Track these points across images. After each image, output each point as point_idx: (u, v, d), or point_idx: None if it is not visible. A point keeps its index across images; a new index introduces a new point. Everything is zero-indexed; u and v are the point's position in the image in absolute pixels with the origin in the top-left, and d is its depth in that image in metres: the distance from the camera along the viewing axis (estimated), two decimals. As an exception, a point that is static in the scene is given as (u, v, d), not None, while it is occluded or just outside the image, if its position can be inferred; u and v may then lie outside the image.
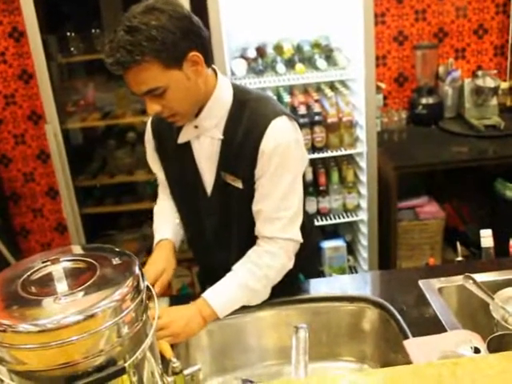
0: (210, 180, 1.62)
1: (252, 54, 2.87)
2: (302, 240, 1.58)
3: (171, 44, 1.38)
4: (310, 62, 2.86)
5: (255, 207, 1.56)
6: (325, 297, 1.56)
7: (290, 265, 1.57)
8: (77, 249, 1.11)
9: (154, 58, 1.37)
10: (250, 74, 2.86)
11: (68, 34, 2.93)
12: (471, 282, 1.42)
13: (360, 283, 1.71)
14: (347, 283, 1.70)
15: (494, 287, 1.45)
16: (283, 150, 1.50)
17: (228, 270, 1.56)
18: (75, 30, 2.96)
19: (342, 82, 3.02)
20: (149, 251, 3.06)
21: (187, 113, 1.52)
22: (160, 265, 1.62)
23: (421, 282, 1.59)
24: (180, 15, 1.41)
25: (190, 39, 1.42)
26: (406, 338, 1.36)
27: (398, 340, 1.39)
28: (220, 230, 1.67)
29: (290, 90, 3.07)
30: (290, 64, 2.86)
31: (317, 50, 2.88)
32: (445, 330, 1.36)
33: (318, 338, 1.55)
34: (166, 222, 1.78)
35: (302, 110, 2.83)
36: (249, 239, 1.59)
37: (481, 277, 1.52)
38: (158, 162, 1.75)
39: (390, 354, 1.48)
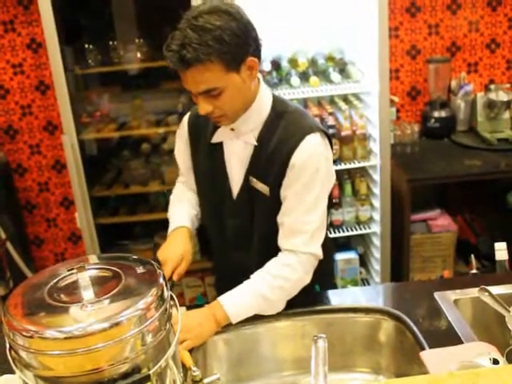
0: (237, 183, 1.65)
1: (267, 66, 2.89)
2: (322, 256, 1.59)
3: (235, 47, 1.42)
4: (324, 75, 2.88)
5: (280, 219, 1.59)
6: (340, 308, 1.57)
7: (308, 279, 1.58)
8: (100, 257, 1.12)
9: (219, 58, 1.40)
10: (264, 87, 2.88)
11: (86, 45, 2.98)
12: (487, 294, 1.42)
13: (374, 295, 1.72)
14: (361, 295, 1.71)
15: (510, 300, 1.45)
16: (313, 166, 1.53)
17: (245, 273, 1.57)
18: (92, 41, 3.00)
19: (356, 95, 3.04)
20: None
21: (235, 115, 1.55)
22: (178, 251, 1.63)
23: (436, 294, 1.59)
24: (244, 19, 1.47)
25: (250, 44, 1.47)
26: (423, 349, 1.37)
27: (414, 351, 1.40)
28: (241, 233, 1.69)
29: (304, 102, 3.09)
30: (304, 77, 2.89)
31: (331, 63, 2.91)
32: (461, 342, 1.37)
33: (333, 349, 1.55)
34: (184, 211, 1.79)
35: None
36: (269, 246, 1.61)
37: (496, 289, 1.52)
38: (188, 156, 1.77)
39: (406, 365, 1.48)
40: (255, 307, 1.54)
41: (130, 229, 3.35)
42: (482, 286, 1.46)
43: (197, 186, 1.80)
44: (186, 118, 1.78)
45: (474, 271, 1.76)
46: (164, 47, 1.44)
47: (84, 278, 0.97)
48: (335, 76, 2.79)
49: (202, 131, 1.70)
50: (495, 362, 1.10)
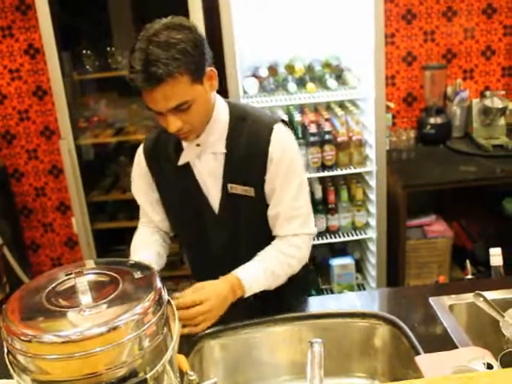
0: (216, 197, 1.65)
1: (264, 72, 2.91)
2: (316, 232, 1.69)
3: (198, 58, 1.44)
4: (320, 82, 2.90)
5: (272, 212, 1.62)
6: (337, 313, 1.58)
7: (307, 257, 1.69)
8: (97, 262, 1.13)
9: (187, 71, 1.41)
10: (261, 93, 2.91)
11: (84, 51, 2.99)
12: (482, 299, 1.44)
13: (370, 300, 1.73)
14: (357, 300, 1.72)
15: (504, 305, 1.46)
16: (290, 155, 1.61)
17: None
18: (90, 47, 3.02)
19: (352, 102, 3.06)
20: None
21: (201, 128, 1.56)
22: None
23: (431, 300, 1.60)
24: (198, 31, 1.47)
25: (208, 54, 1.49)
26: (418, 354, 1.37)
27: (409, 356, 1.41)
28: (229, 245, 1.69)
29: (301, 108, 3.11)
30: (301, 83, 2.91)
31: (327, 69, 2.92)
32: (456, 347, 1.38)
33: (329, 353, 1.56)
34: (148, 250, 1.73)
35: (313, 129, 2.86)
36: (257, 247, 1.63)
37: (491, 295, 1.53)
38: (151, 190, 1.74)
39: (401, 369, 1.49)
40: (265, 283, 1.58)
41: (127, 234, 3.35)
42: (476, 292, 1.47)
43: (171, 214, 1.77)
44: (139, 155, 1.73)
45: (470, 276, 1.77)
46: (127, 71, 1.44)
47: (82, 282, 0.98)
48: (332, 82, 2.80)
49: (162, 159, 1.68)
50: (489, 366, 1.11)
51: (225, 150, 1.61)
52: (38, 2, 2.63)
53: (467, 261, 1.85)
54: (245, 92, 2.88)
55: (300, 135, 2.92)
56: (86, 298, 0.95)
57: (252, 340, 1.58)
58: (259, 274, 1.57)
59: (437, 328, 1.50)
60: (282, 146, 1.59)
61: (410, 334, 1.46)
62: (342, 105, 3.10)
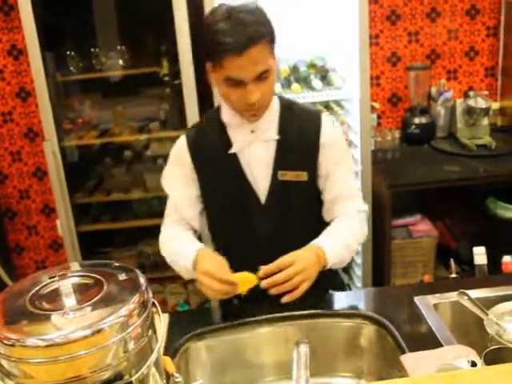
0: (264, 186, 1.67)
1: (248, 73, 2.91)
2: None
3: (273, 30, 1.53)
4: (305, 82, 2.91)
5: (330, 194, 1.68)
6: (322, 313, 1.58)
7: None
8: (82, 265, 1.12)
9: (268, 38, 1.49)
10: (246, 94, 2.90)
11: (68, 52, 2.97)
12: (466, 298, 1.45)
13: (356, 300, 1.73)
14: (343, 300, 1.72)
15: (488, 303, 1.48)
16: (340, 140, 1.73)
17: None
18: (74, 48, 3.00)
19: (337, 102, 3.06)
20: (143, 267, 3.10)
21: (267, 105, 1.60)
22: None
23: (416, 299, 1.61)
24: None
25: None
26: (403, 353, 1.38)
27: (395, 355, 1.41)
28: (276, 235, 1.69)
29: (286, 109, 3.11)
30: (286, 84, 2.91)
31: (312, 70, 2.93)
32: (440, 345, 1.38)
33: (315, 353, 1.56)
34: (191, 238, 1.72)
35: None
36: (304, 238, 1.61)
37: (475, 293, 1.54)
38: (193, 183, 1.72)
39: (387, 369, 1.49)
40: (341, 256, 1.60)
41: (112, 236, 3.35)
42: (461, 290, 1.48)
43: (212, 207, 1.75)
44: (180, 149, 1.72)
45: (454, 275, 1.79)
46: (213, 38, 1.46)
47: (66, 285, 0.97)
48: (317, 83, 2.81)
49: (208, 150, 1.69)
50: (473, 364, 1.12)
51: (278, 137, 1.64)
52: (20, 2, 2.61)
53: (451, 260, 1.87)
54: (230, 93, 2.87)
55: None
56: (70, 301, 0.95)
57: (238, 341, 1.58)
58: (338, 247, 1.59)
59: (422, 327, 1.51)
60: (332, 131, 1.69)
61: (396, 333, 1.46)
62: (327, 105, 3.11)
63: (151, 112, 3.17)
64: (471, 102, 3.19)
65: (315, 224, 1.71)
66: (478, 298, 1.51)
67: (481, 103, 3.18)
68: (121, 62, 3.02)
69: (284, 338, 1.56)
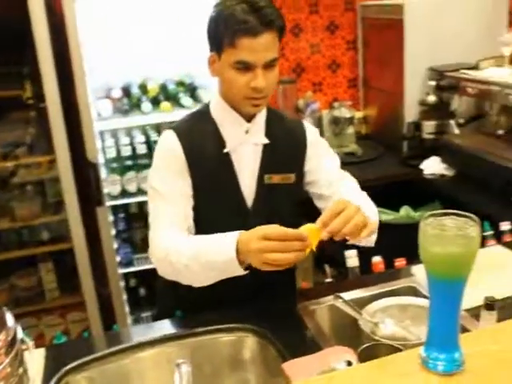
0: (250, 189, 1.64)
1: (117, 93, 2.86)
2: None
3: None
4: (175, 100, 2.91)
5: (325, 181, 1.72)
6: (204, 330, 1.57)
7: None
8: None
9: (281, 27, 1.51)
10: (116, 114, 2.85)
11: None
12: (340, 300, 1.50)
13: (237, 313, 1.73)
14: (225, 314, 1.72)
15: (362, 303, 1.55)
16: (321, 139, 1.78)
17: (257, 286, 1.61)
18: None
19: (208, 118, 3.08)
20: (17, 301, 2.92)
21: (270, 97, 1.58)
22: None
23: (296, 306, 1.65)
24: None
25: None
26: (286, 361, 1.40)
27: (278, 364, 1.43)
28: None
29: (158, 128, 3.09)
30: (155, 102, 2.89)
31: (181, 87, 2.94)
32: (321, 349, 1.42)
33: (201, 371, 1.55)
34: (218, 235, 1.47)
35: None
36: None
37: (349, 295, 1.61)
38: (187, 179, 1.59)
39: (272, 379, 1.51)
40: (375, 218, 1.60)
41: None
42: (335, 294, 1.53)
43: (202, 207, 1.61)
44: (173, 141, 1.60)
45: (329, 280, 1.85)
46: (228, 20, 1.47)
47: None
48: (186, 100, 2.82)
49: (200, 146, 1.60)
50: (349, 363, 1.16)
51: (267, 141, 1.64)
52: None
53: (325, 265, 1.93)
54: (98, 114, 2.80)
55: (158, 155, 2.89)
56: None
57: (120, 369, 1.52)
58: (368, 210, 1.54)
59: (302, 333, 1.54)
60: (315, 133, 1.74)
61: (277, 342, 1.48)
62: (198, 122, 3.12)
63: (17, 137, 3.01)
64: (336, 113, 3.35)
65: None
66: (352, 299, 1.57)
67: (345, 113, 3.34)
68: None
69: (166, 359, 1.53)
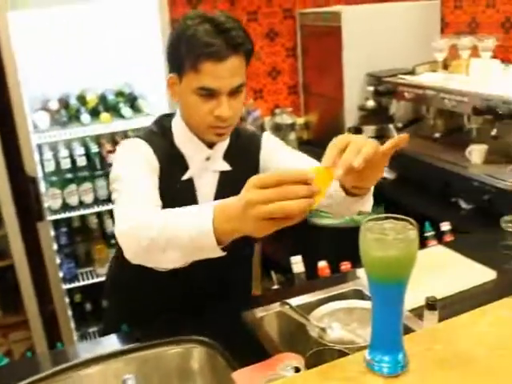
0: None
1: (55, 105, 2.80)
2: None
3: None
4: (115, 111, 2.87)
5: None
6: (151, 344, 1.54)
7: None
8: None
9: (249, 50, 1.40)
10: (54, 126, 2.79)
11: None
12: (287, 307, 1.50)
13: (186, 323, 1.71)
14: (173, 326, 1.70)
15: (309, 308, 1.55)
16: (277, 145, 1.64)
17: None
18: None
19: (150, 128, 3.05)
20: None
21: (235, 125, 1.49)
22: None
23: (243, 314, 1.64)
24: None
25: None
26: (235, 370, 1.39)
27: (228, 374, 1.42)
28: (213, 265, 1.30)
29: (97, 139, 3.03)
30: (95, 114, 2.84)
31: (121, 98, 2.90)
32: (270, 356, 1.42)
33: (150, 386, 1.53)
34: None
35: (111, 159, 2.81)
36: (244, 265, 1.65)
37: (296, 301, 1.61)
38: (156, 181, 1.44)
39: (222, 389, 1.50)
40: None
41: None
42: (282, 301, 1.53)
43: None
44: (147, 151, 1.46)
45: (276, 286, 1.85)
46: (190, 42, 1.34)
47: None
48: (126, 111, 2.79)
49: (172, 167, 1.49)
50: (297, 370, 1.16)
51: (228, 168, 1.55)
52: None
53: (272, 271, 1.93)
54: (35, 126, 2.73)
55: (99, 167, 2.85)
56: None
57: (65, 389, 1.48)
58: None
59: (251, 341, 1.53)
60: (270, 143, 1.61)
61: (225, 352, 1.47)
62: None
63: None
64: (278, 119, 3.38)
65: (251, 255, 1.69)
66: (298, 305, 1.57)
67: (286, 119, 3.38)
68: None
69: (113, 375, 1.49)
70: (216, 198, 1.52)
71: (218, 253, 1.09)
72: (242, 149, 1.58)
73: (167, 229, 1.14)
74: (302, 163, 1.52)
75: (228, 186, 1.52)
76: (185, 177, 1.52)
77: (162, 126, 1.56)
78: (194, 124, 1.47)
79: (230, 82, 1.37)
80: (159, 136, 1.53)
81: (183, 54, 1.37)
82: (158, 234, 1.15)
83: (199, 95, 1.38)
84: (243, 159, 1.57)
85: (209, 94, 1.37)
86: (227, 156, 1.56)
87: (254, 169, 1.57)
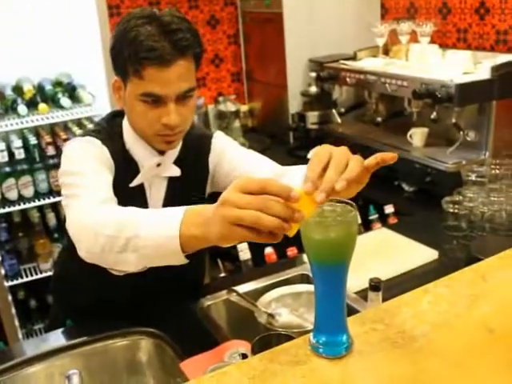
0: None
1: (-12, 97, 2.70)
2: None
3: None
4: (53, 101, 2.79)
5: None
6: (96, 338, 1.51)
7: None
8: None
9: (196, 54, 1.32)
10: (-11, 119, 2.69)
11: None
12: (235, 294, 1.50)
13: (133, 316, 1.69)
14: (119, 319, 1.67)
15: (257, 295, 1.56)
16: (228, 146, 1.55)
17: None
18: None
19: (90, 119, 2.98)
20: None
21: (183, 134, 1.41)
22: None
23: (190, 304, 1.63)
24: None
25: None
26: (183, 360, 1.38)
27: (176, 364, 1.41)
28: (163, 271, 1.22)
29: (36, 131, 2.95)
30: (32, 104, 2.76)
31: (59, 88, 2.83)
32: (219, 345, 1.42)
33: (99, 380, 1.50)
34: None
35: (51, 151, 2.76)
36: (197, 270, 1.62)
37: (243, 288, 1.62)
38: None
39: (171, 379, 1.49)
40: None
41: None
42: (229, 288, 1.53)
43: None
44: (103, 151, 1.39)
45: (223, 274, 1.85)
46: (132, 45, 1.25)
47: None
48: (65, 101, 2.72)
49: (124, 171, 1.41)
50: (244, 356, 1.16)
51: (179, 174, 1.47)
52: None
53: (218, 260, 1.93)
54: (-31, 119, 2.64)
55: (38, 159, 2.77)
56: None
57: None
58: None
59: (199, 330, 1.53)
60: (220, 145, 1.53)
61: (173, 342, 1.46)
62: (80, 123, 3.02)
63: None
64: (221, 107, 3.36)
65: (203, 262, 1.68)
66: (246, 291, 1.58)
67: (230, 107, 3.36)
68: None
69: (59, 372, 1.46)
70: (164, 205, 1.47)
71: (180, 260, 0.99)
72: (191, 152, 1.52)
73: (128, 228, 1.04)
74: (251, 161, 1.51)
75: (177, 191, 1.50)
76: (134, 183, 1.45)
77: (114, 126, 1.48)
78: (142, 131, 1.40)
79: (177, 88, 1.29)
80: (112, 138, 1.45)
81: (126, 58, 1.28)
82: (118, 231, 1.05)
83: (144, 102, 1.31)
84: (193, 163, 1.52)
85: (155, 100, 1.30)
86: (178, 160, 1.50)
87: (204, 173, 1.53)
